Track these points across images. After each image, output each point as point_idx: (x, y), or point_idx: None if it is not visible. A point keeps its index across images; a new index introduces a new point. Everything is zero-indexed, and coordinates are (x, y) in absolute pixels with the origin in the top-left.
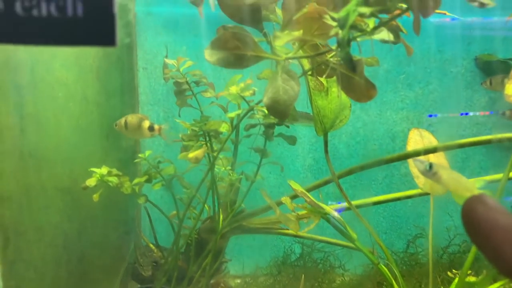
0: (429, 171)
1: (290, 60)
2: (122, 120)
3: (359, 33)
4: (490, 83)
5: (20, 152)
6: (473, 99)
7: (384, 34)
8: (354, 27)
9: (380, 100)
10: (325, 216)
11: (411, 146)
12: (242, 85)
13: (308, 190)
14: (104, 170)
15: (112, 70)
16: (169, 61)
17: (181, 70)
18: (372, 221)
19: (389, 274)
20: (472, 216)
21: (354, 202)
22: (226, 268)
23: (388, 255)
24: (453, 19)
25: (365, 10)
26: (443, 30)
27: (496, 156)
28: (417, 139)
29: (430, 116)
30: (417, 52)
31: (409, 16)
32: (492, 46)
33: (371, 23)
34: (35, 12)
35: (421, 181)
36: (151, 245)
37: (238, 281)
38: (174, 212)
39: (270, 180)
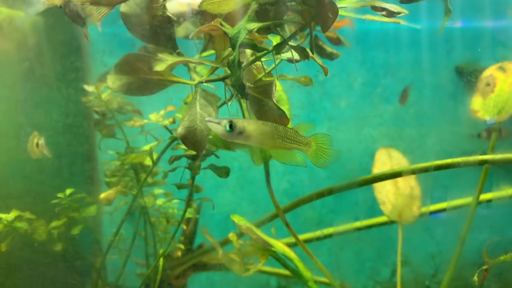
0: (231, 130)
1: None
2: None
3: (261, 53)
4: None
5: None
6: (457, 111)
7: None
8: (253, 46)
9: (356, 116)
10: (275, 254)
11: (377, 168)
12: (162, 112)
13: (258, 225)
14: (12, 215)
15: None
16: (89, 88)
17: (102, 97)
18: (355, 248)
19: None
20: None
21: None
22: None
23: None
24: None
25: (253, 25)
26: (420, 37)
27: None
28: (385, 159)
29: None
30: (393, 62)
31: (401, 22)
32: (474, 54)
33: (276, 40)
34: None
35: (388, 208)
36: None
37: None
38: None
39: (243, 206)
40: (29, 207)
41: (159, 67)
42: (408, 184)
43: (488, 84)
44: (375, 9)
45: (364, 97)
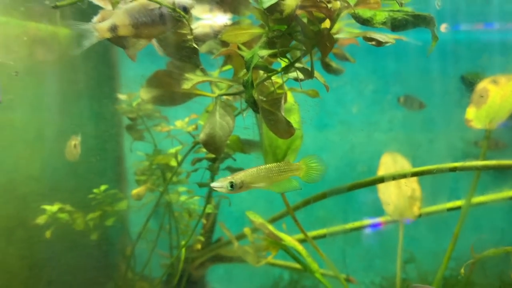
0: (233, 188)
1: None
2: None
3: (271, 73)
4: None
5: None
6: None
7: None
8: (264, 68)
9: (367, 121)
10: (285, 247)
11: (382, 171)
12: (186, 120)
13: (272, 221)
14: (55, 207)
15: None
16: (122, 96)
17: (133, 104)
18: (363, 245)
19: None
20: None
21: (318, 232)
22: None
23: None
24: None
25: (264, 52)
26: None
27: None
28: (389, 164)
29: None
30: (403, 71)
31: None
32: (480, 63)
33: (284, 63)
34: None
35: (391, 208)
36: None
37: None
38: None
39: (258, 205)
40: (69, 201)
41: (186, 85)
42: (410, 186)
43: (481, 96)
44: (366, 39)
45: (375, 103)
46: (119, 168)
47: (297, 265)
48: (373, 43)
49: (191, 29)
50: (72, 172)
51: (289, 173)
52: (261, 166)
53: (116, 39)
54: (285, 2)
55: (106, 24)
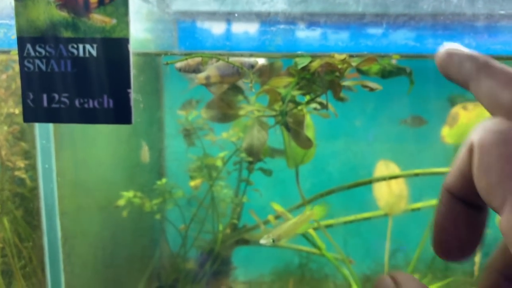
0: (274, 242)
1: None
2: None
3: (299, 106)
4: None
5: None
6: None
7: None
8: (293, 101)
9: (368, 133)
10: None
11: (377, 175)
12: (231, 132)
13: (290, 211)
14: (130, 193)
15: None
16: (181, 112)
17: (189, 119)
18: (363, 236)
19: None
20: None
21: (326, 222)
22: (234, 274)
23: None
24: None
25: (296, 92)
26: (422, 72)
27: None
28: (383, 169)
29: None
30: (399, 92)
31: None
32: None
33: (308, 98)
34: (86, 106)
35: (382, 203)
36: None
37: (243, 286)
38: (183, 225)
39: (276, 199)
40: (140, 190)
41: (242, 112)
42: (398, 186)
43: (454, 118)
44: (363, 86)
45: (375, 119)
46: (162, 168)
47: (307, 249)
48: (367, 89)
49: (253, 81)
50: (140, 169)
51: (307, 219)
52: (287, 222)
53: (208, 84)
54: (311, 64)
55: (203, 75)
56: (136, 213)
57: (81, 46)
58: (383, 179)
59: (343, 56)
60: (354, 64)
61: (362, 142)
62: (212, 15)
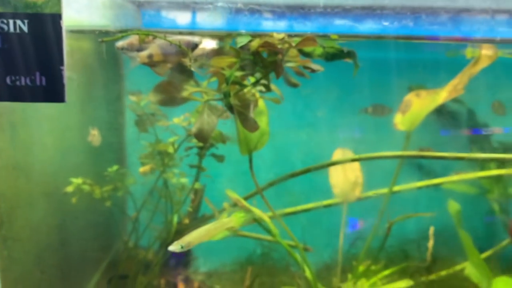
0: (183, 247)
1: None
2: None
3: (244, 87)
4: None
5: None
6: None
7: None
8: (237, 83)
9: (330, 123)
10: (255, 219)
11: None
12: (182, 117)
13: (246, 199)
14: (79, 180)
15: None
16: (132, 98)
17: (141, 104)
18: (325, 225)
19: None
20: None
21: (285, 211)
22: (194, 264)
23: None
24: None
25: (238, 73)
26: (385, 63)
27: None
28: (339, 156)
29: None
30: (362, 83)
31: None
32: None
33: (252, 79)
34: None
35: (337, 190)
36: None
37: (204, 276)
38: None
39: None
40: (89, 177)
41: (184, 93)
42: (354, 173)
43: (406, 105)
44: (305, 67)
45: (337, 109)
46: (121, 154)
47: (265, 237)
48: (309, 70)
49: (192, 59)
50: (90, 156)
51: (224, 227)
52: (200, 228)
53: (151, 63)
54: (251, 44)
55: (145, 53)
56: (91, 201)
57: (11, 22)
58: (329, 165)
59: (281, 35)
60: (293, 44)
61: (321, 130)
62: None
